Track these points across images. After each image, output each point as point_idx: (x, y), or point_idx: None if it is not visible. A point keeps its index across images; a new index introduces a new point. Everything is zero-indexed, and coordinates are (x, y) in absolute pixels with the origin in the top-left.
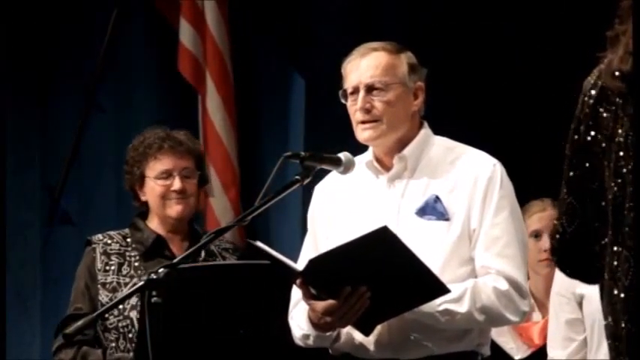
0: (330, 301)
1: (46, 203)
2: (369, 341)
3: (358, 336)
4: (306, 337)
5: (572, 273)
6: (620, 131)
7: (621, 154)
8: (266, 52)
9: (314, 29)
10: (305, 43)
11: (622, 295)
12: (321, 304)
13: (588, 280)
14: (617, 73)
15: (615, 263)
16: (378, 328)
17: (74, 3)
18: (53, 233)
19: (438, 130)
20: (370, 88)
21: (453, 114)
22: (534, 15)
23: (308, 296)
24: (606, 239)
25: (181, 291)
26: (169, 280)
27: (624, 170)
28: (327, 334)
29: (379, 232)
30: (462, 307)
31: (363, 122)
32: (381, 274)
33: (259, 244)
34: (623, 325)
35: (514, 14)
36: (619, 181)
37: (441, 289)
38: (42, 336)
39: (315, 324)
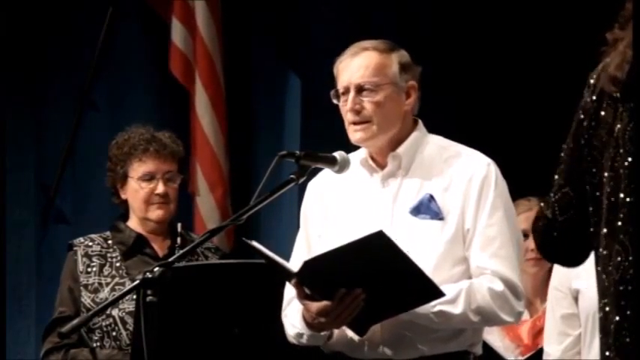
0: (325, 302)
1: (41, 202)
2: (363, 341)
3: (352, 335)
4: (299, 335)
5: (553, 259)
6: (618, 126)
7: (618, 148)
8: (262, 51)
9: (310, 28)
10: (301, 43)
11: (612, 289)
12: (315, 305)
13: (570, 263)
14: (613, 79)
15: (608, 257)
16: (372, 328)
17: (69, 2)
18: (48, 232)
19: (432, 128)
20: (360, 89)
21: (447, 113)
22: (531, 14)
23: (302, 296)
24: (602, 232)
25: (176, 290)
26: (164, 279)
27: (620, 164)
28: (321, 333)
29: (375, 237)
30: (457, 309)
31: (354, 123)
32: (376, 277)
33: (255, 243)
34: (612, 318)
35: (511, 14)
36: (615, 175)
37: (436, 293)
38: (37, 335)
39: (309, 324)
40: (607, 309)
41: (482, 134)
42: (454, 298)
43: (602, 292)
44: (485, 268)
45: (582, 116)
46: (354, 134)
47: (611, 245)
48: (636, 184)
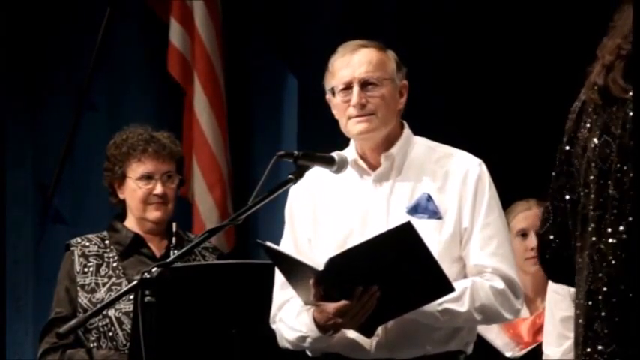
0: (344, 302)
1: (38, 202)
2: (364, 341)
3: (354, 337)
4: (301, 339)
5: (550, 275)
6: (591, 144)
7: (590, 164)
8: (259, 51)
9: (309, 28)
10: (299, 43)
11: (582, 301)
12: (333, 305)
13: (569, 282)
14: (593, 86)
15: (580, 270)
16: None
17: (68, 2)
18: (46, 232)
19: (424, 130)
20: (365, 83)
21: (448, 113)
22: (529, 16)
23: (318, 297)
24: (577, 246)
25: (174, 290)
26: (162, 279)
27: (590, 179)
28: (330, 335)
29: (402, 229)
30: (462, 307)
31: (358, 116)
32: (393, 273)
33: (269, 244)
34: (581, 330)
35: (512, 15)
36: (586, 190)
37: (447, 289)
38: (34, 335)
39: (320, 325)
40: (579, 320)
41: (483, 134)
42: (460, 296)
43: (576, 304)
44: (485, 267)
45: (564, 136)
46: (357, 126)
47: (582, 258)
48: (603, 199)
